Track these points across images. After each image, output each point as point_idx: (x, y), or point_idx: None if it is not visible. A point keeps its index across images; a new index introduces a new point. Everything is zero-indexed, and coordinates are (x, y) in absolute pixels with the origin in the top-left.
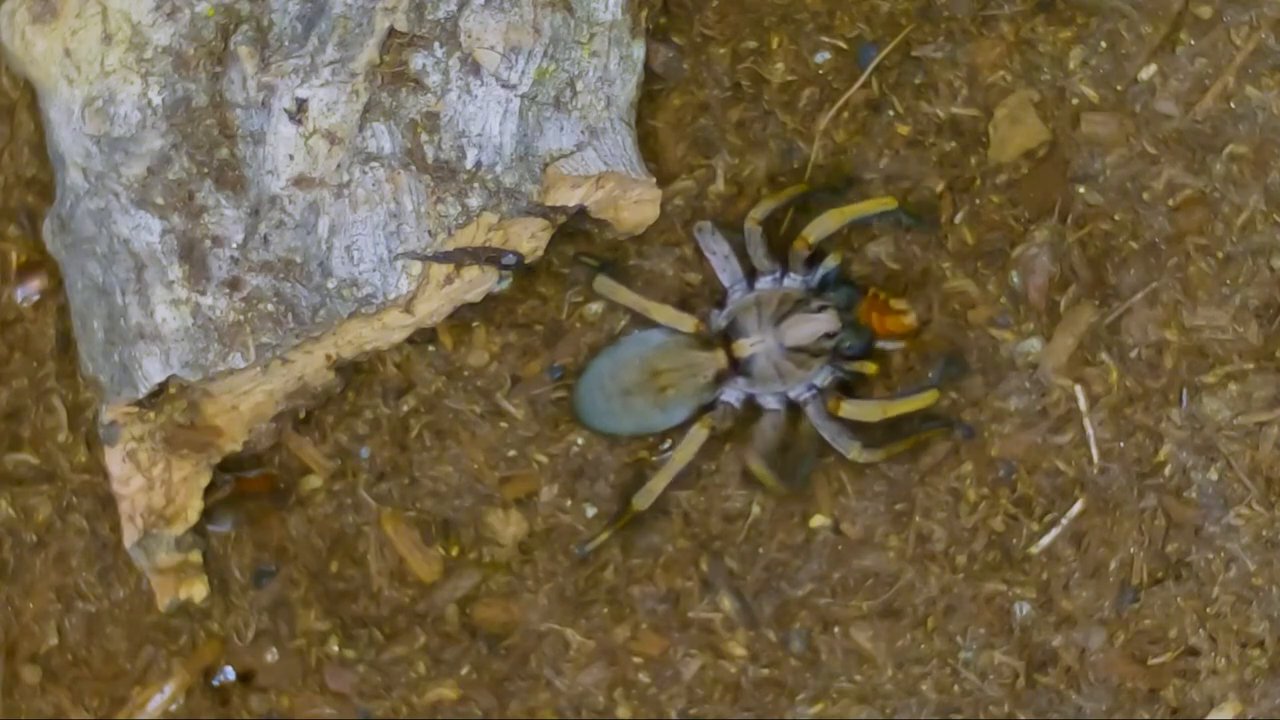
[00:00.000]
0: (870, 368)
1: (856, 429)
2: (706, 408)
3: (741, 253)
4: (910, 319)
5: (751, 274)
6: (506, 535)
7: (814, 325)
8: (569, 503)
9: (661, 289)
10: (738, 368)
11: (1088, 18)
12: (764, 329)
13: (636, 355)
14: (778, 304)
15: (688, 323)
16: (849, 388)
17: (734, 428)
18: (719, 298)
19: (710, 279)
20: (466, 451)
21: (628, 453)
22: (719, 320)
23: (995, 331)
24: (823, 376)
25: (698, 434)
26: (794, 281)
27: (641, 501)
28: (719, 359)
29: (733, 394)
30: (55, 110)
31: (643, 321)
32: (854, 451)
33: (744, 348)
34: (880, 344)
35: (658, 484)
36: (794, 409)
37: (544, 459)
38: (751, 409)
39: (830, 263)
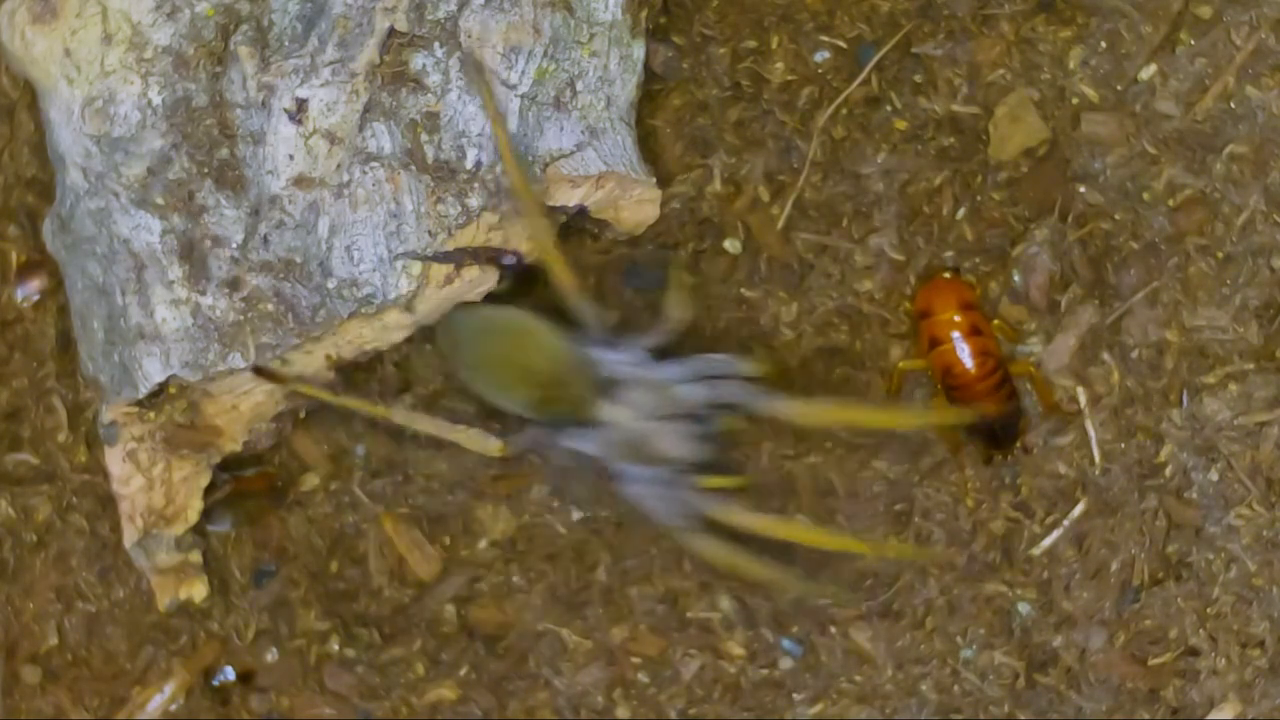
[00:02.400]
0: (708, 483)
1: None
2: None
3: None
4: None
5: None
6: (495, 531)
7: (676, 448)
8: (556, 503)
9: (652, 294)
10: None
11: (1088, 17)
12: (639, 414)
13: (557, 352)
14: (669, 404)
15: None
16: None
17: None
18: (618, 333)
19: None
20: (461, 450)
21: None
22: (611, 365)
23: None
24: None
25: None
26: (679, 374)
27: None
28: (599, 411)
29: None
30: (55, 110)
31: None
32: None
33: (610, 413)
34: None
35: None
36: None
37: (537, 458)
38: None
39: (729, 420)
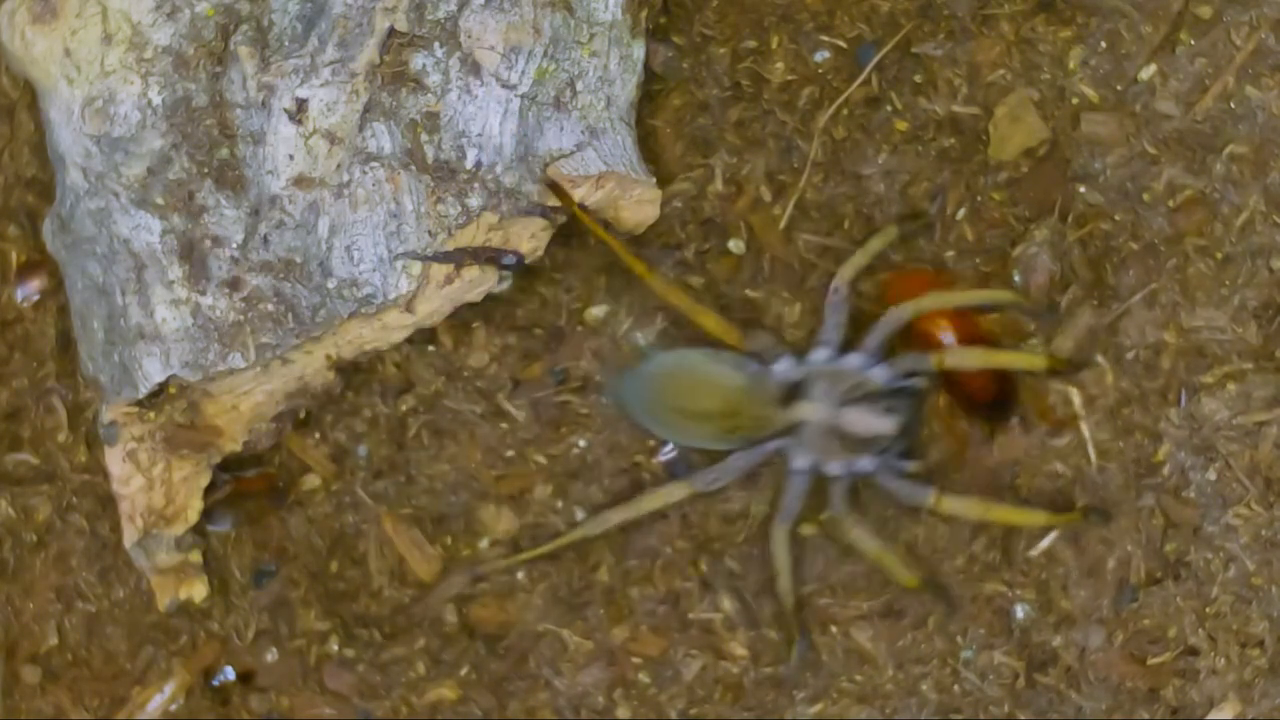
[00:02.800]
0: (913, 468)
1: (927, 478)
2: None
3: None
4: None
5: (846, 347)
6: (498, 531)
7: (872, 424)
8: (560, 504)
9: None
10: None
11: (1088, 17)
12: (827, 402)
13: (720, 387)
14: (852, 386)
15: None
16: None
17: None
18: (800, 345)
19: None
20: (464, 451)
21: (626, 457)
22: (792, 372)
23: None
24: (866, 464)
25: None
26: (859, 361)
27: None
28: (789, 416)
29: (773, 445)
30: (55, 110)
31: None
32: (932, 499)
33: (802, 411)
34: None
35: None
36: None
37: (542, 460)
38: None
39: (917, 382)
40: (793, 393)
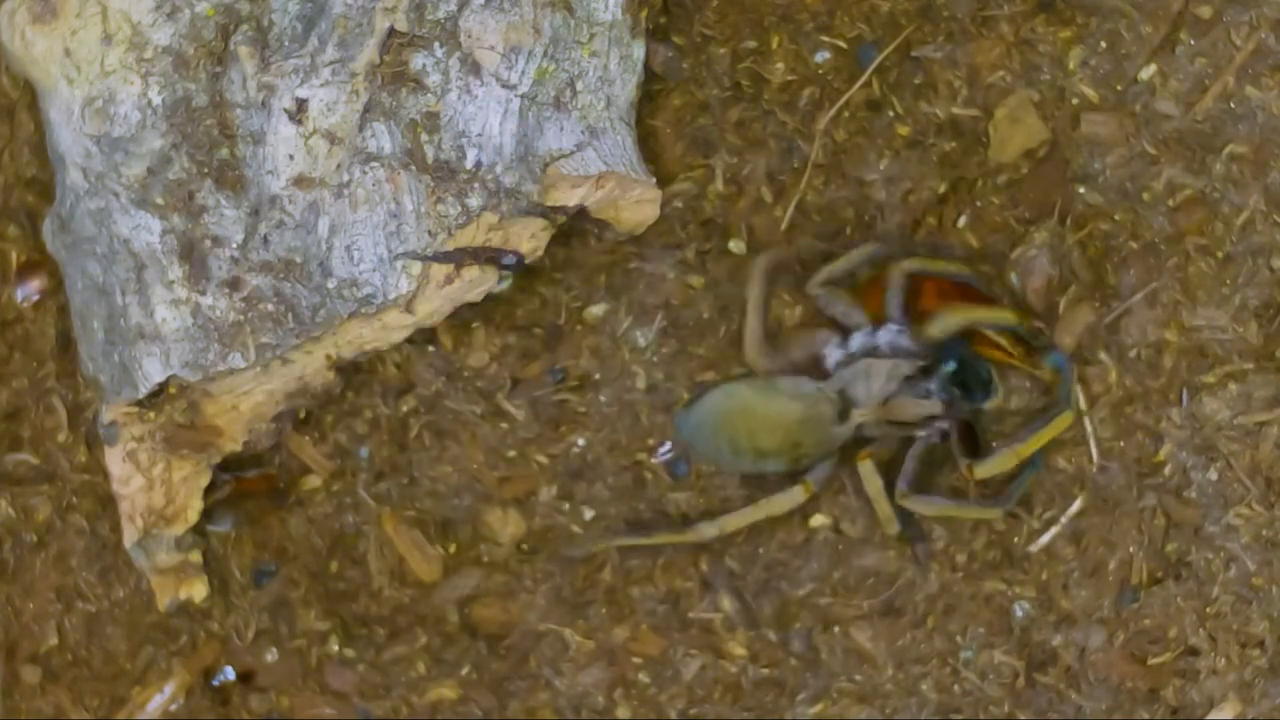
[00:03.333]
0: (994, 404)
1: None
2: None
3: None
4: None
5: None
6: (504, 535)
7: (919, 409)
8: (567, 505)
9: (662, 292)
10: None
11: (1088, 18)
12: (871, 402)
13: (778, 425)
14: (885, 379)
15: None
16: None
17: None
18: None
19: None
20: (466, 451)
21: (626, 456)
22: (837, 376)
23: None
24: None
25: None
26: (891, 334)
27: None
28: (848, 429)
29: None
30: (55, 110)
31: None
32: (964, 467)
33: (854, 417)
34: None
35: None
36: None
37: (544, 459)
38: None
39: (950, 347)
40: (845, 403)
